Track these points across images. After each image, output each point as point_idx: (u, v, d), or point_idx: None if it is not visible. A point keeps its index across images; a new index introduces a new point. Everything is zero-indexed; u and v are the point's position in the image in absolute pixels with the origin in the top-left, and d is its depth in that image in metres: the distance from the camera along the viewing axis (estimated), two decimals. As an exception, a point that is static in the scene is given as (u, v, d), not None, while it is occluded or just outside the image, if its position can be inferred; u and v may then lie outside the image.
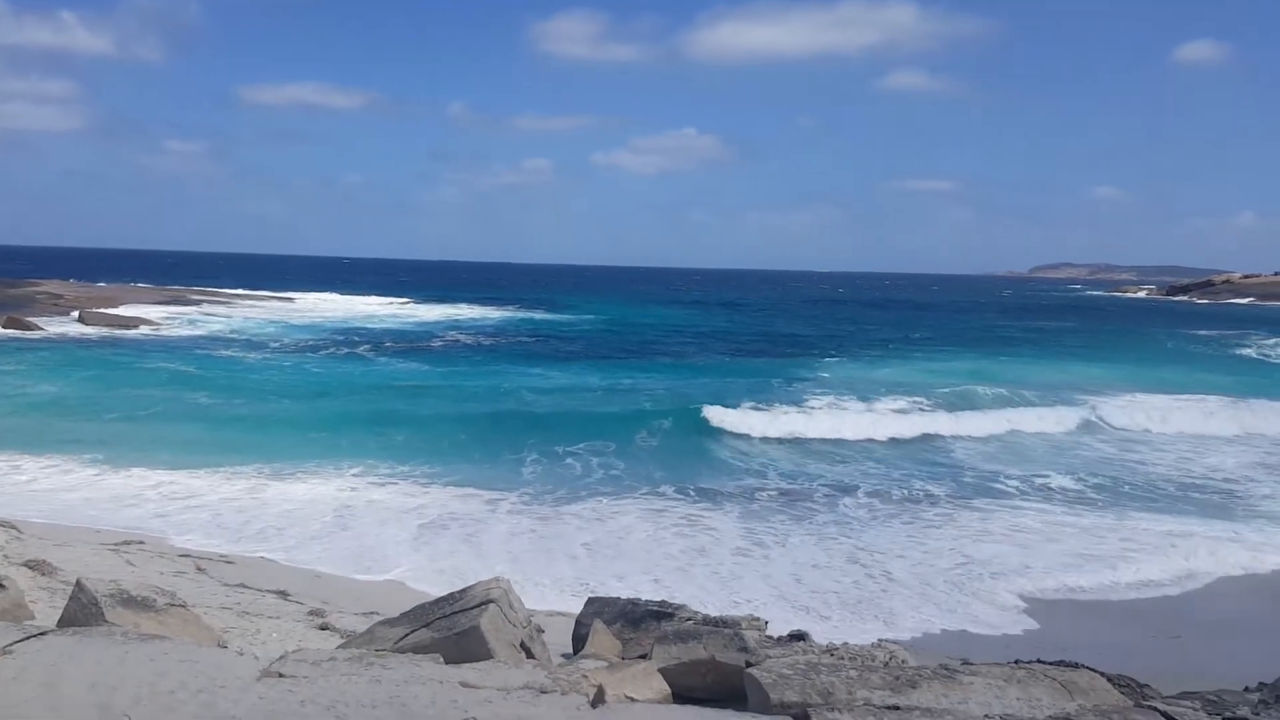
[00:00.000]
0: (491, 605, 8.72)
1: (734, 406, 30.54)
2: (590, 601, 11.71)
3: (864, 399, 34.19)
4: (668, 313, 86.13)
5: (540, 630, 10.53)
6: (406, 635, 8.68)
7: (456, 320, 72.55)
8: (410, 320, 71.74)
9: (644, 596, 12.02)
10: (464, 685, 7.11)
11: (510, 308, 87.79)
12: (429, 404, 32.35)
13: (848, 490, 22.10)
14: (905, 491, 22.18)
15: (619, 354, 50.09)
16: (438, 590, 11.71)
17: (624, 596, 11.90)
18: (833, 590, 15.27)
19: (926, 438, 28.18)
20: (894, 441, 27.71)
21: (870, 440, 27.53)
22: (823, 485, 22.56)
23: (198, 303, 74.32)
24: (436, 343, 54.26)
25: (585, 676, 8.28)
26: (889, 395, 34.96)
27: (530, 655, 9.20)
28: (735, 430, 27.70)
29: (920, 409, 32.78)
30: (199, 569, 14.74)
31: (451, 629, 8.48)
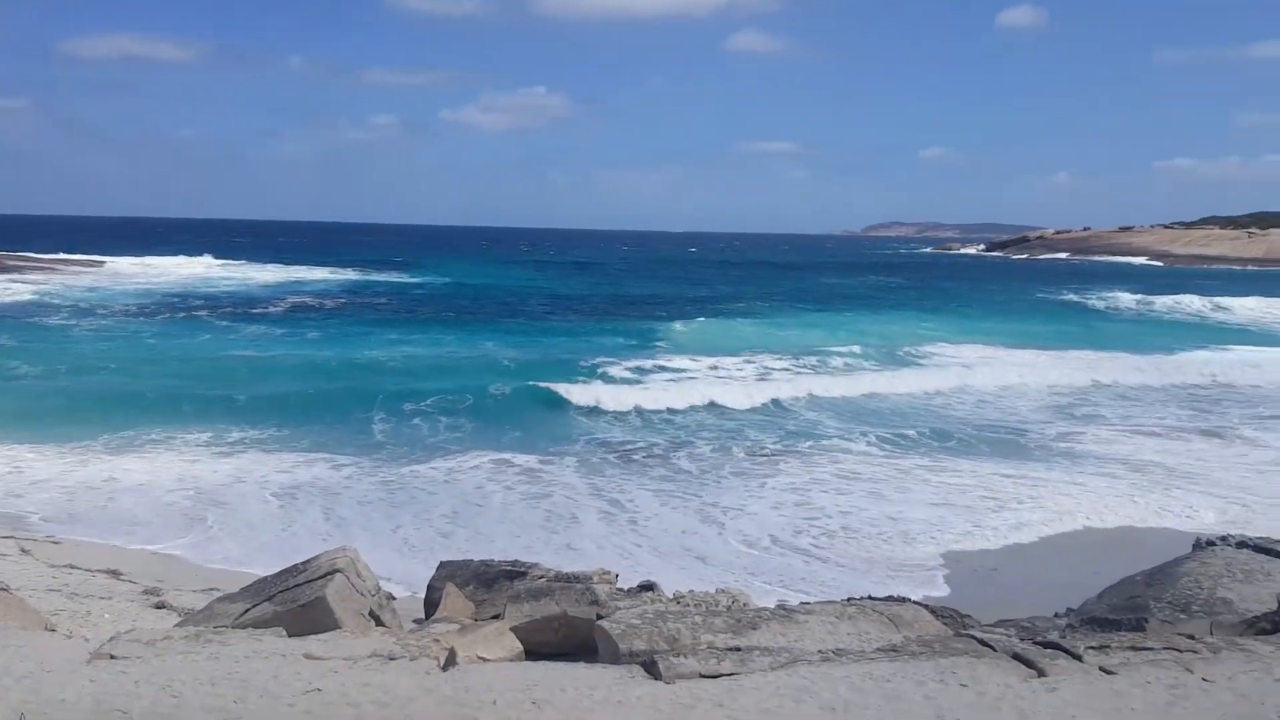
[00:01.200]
0: (338, 575, 8.62)
1: (587, 370, 30.59)
2: (442, 565, 11.70)
3: (714, 359, 34.73)
4: (521, 274, 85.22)
5: (391, 597, 10.47)
6: (247, 610, 8.49)
7: (299, 283, 69.87)
8: (251, 283, 68.67)
9: (497, 557, 12.07)
10: (308, 657, 7.02)
11: (357, 269, 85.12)
12: (272, 370, 31.26)
13: (691, 448, 22.54)
14: (746, 447, 22.72)
15: (470, 317, 49.36)
16: (283, 562, 11.45)
17: (477, 558, 11.93)
18: (679, 543, 15.67)
19: (775, 400, 28.61)
20: (745, 398, 28.26)
21: (714, 403, 27.70)
22: (670, 445, 22.92)
23: (17, 269, 69.29)
24: (278, 307, 52.28)
25: (436, 640, 8.30)
26: (741, 355, 35.65)
27: (380, 624, 9.15)
28: (584, 393, 27.64)
29: (768, 369, 33.55)
30: (23, 550, 13.96)
31: (295, 601, 8.35)
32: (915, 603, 9.00)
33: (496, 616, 9.57)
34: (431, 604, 10.95)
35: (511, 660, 8.09)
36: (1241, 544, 10.25)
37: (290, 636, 7.38)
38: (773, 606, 8.30)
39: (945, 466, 20.90)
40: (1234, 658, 7.24)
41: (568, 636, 8.87)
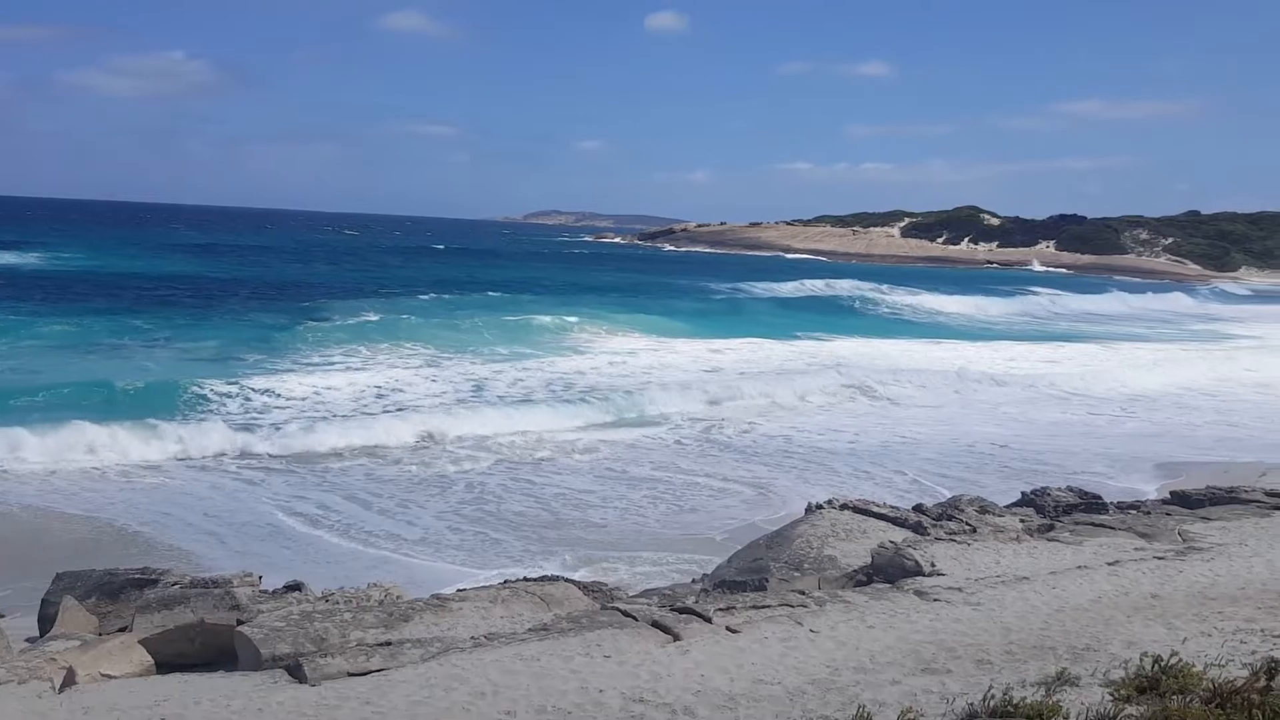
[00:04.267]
0: (-76, 598, 7.57)
1: (233, 370, 26.99)
2: (59, 577, 10.56)
3: (369, 354, 32.08)
4: (159, 257, 76.71)
5: (-2, 616, 9.36)
6: None
7: None
8: None
9: (123, 566, 11.08)
10: (-113, 695, 6.14)
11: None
12: None
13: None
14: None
15: (101, 303, 43.18)
16: None
17: (100, 568, 10.90)
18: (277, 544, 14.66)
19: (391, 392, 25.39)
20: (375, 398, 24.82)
21: (327, 387, 24.63)
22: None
23: None
24: None
25: (52, 660, 7.53)
26: (395, 348, 33.35)
27: (-20, 647, 8.15)
28: (225, 391, 24.53)
29: (392, 367, 29.21)
30: None
31: None
32: (566, 580, 9.38)
33: (124, 629, 8.85)
34: (47, 620, 9.89)
35: (140, 675, 7.52)
36: (844, 506, 11.63)
37: None
38: (426, 598, 8.32)
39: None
40: (836, 609, 8.24)
41: (206, 645, 8.36)
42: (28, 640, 9.44)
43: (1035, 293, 74.72)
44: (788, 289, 68.47)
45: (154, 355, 29.59)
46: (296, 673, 6.37)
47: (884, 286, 69.93)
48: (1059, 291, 76.28)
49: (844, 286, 70.58)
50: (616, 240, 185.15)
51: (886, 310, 59.09)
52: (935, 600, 8.37)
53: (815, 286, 70.66)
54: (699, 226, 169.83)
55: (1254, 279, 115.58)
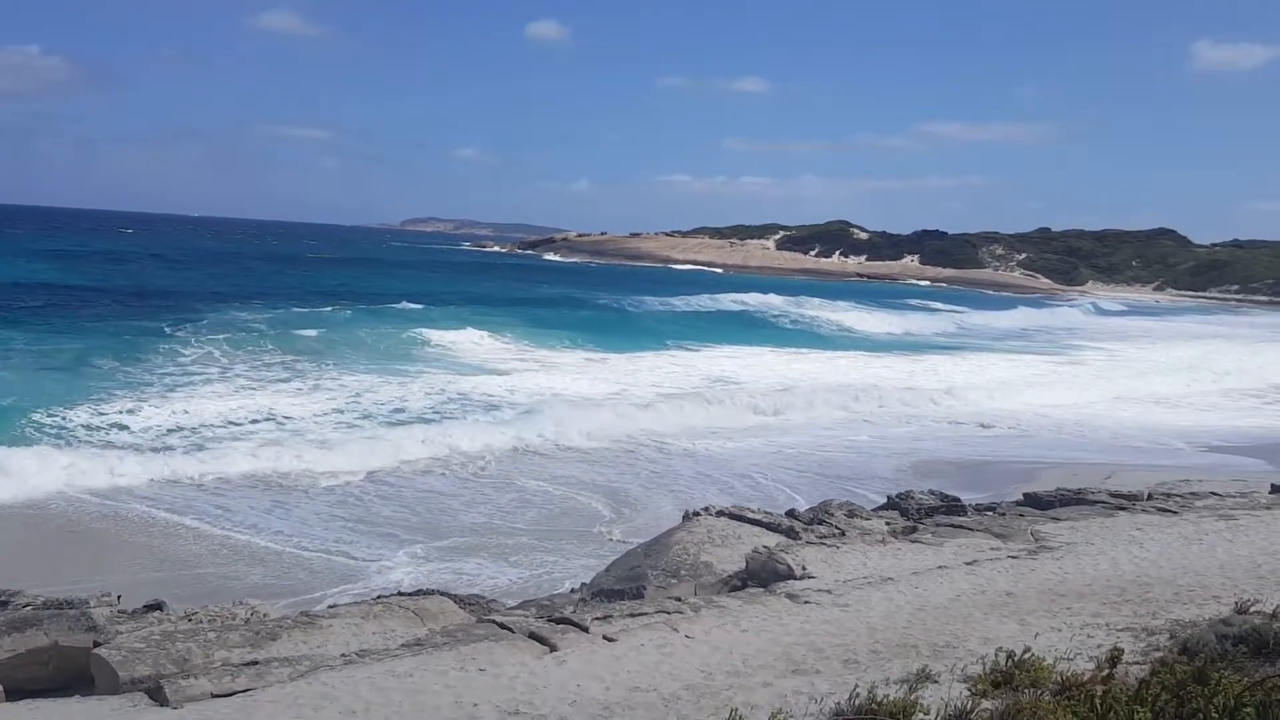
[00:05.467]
0: None
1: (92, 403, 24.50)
2: (-107, 602, 9.91)
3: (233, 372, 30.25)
4: (17, 263, 71.29)
5: None
6: None
7: None
8: None
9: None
10: None
11: None
12: None
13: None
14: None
15: None
16: None
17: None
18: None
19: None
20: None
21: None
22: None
23: None
24: None
25: (-116, 692, 7.08)
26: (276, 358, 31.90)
27: None
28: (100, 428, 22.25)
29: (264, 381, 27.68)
30: None
31: None
32: (441, 593, 9.28)
33: (-31, 655, 8.35)
34: (-121, 650, 9.26)
35: (-13, 705, 7.13)
36: (720, 513, 11.85)
37: None
38: (295, 615, 8.11)
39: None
40: (711, 614, 8.39)
41: (61, 669, 7.98)
42: None
43: (935, 308, 73.53)
44: (702, 302, 67.46)
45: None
46: (157, 695, 6.14)
47: (797, 300, 69.32)
48: (960, 308, 74.53)
49: (753, 300, 69.23)
50: (496, 249, 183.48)
51: (798, 324, 58.70)
52: (806, 603, 8.61)
53: (727, 301, 69.19)
54: (580, 236, 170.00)
55: (1099, 292, 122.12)
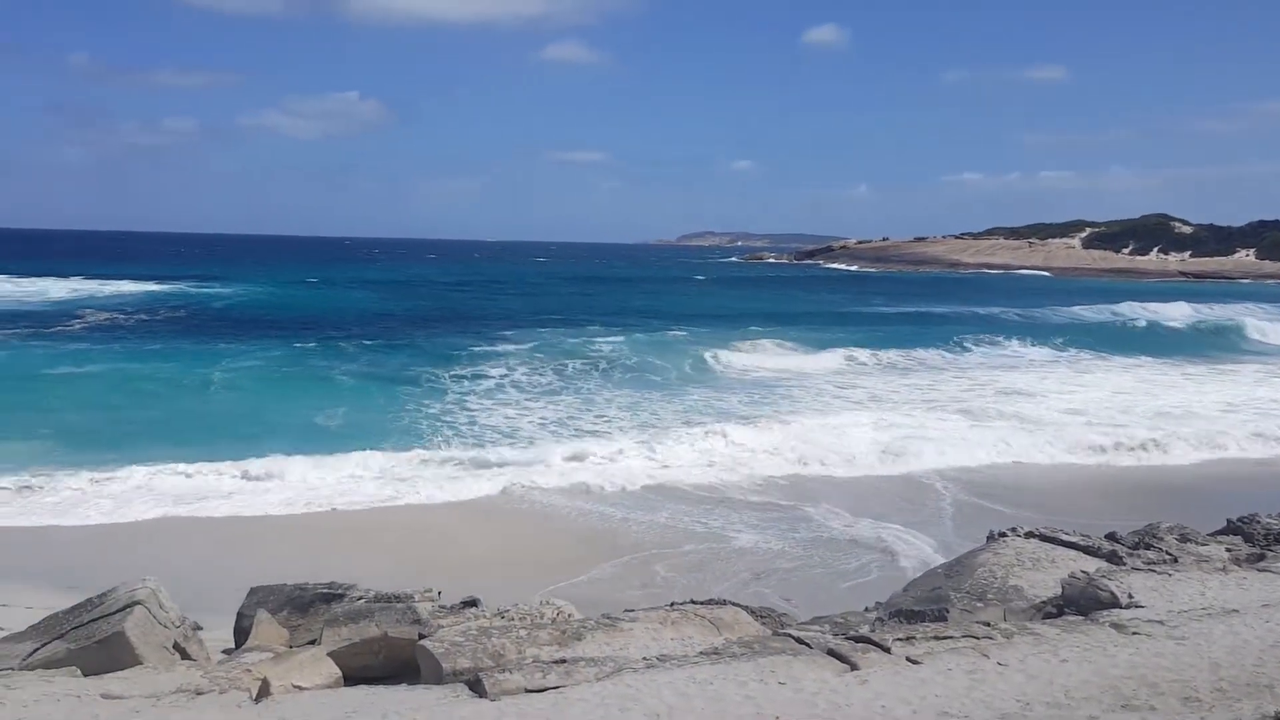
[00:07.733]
0: (138, 607, 8.10)
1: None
2: (253, 591, 11.14)
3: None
4: (349, 290, 79.73)
5: (198, 627, 9.92)
6: (36, 650, 7.86)
7: (92, 296, 64.81)
8: (36, 299, 63.05)
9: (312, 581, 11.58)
10: (107, 697, 6.57)
11: (154, 282, 79.23)
12: (94, 391, 28.70)
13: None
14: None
15: (296, 330, 46.01)
16: (72, 598, 10.61)
17: (290, 583, 11.43)
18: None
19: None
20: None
21: None
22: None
23: None
24: (76, 323, 47.88)
25: (248, 671, 7.92)
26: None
27: (186, 656, 8.66)
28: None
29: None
30: None
31: (90, 637, 7.79)
32: (734, 604, 9.23)
33: (313, 642, 9.22)
34: (242, 632, 10.43)
35: (329, 687, 7.80)
36: (1030, 534, 11.04)
37: (86, 676, 6.89)
38: (598, 617, 8.34)
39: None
40: (1025, 641, 7.79)
41: (390, 659, 8.62)
42: (224, 652, 9.97)
43: None
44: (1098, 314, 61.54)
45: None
46: (477, 687, 6.47)
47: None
48: None
49: (1151, 310, 61.72)
50: (771, 259, 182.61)
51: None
52: (1134, 634, 7.82)
53: (1110, 311, 62.16)
54: (859, 243, 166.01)
55: None
